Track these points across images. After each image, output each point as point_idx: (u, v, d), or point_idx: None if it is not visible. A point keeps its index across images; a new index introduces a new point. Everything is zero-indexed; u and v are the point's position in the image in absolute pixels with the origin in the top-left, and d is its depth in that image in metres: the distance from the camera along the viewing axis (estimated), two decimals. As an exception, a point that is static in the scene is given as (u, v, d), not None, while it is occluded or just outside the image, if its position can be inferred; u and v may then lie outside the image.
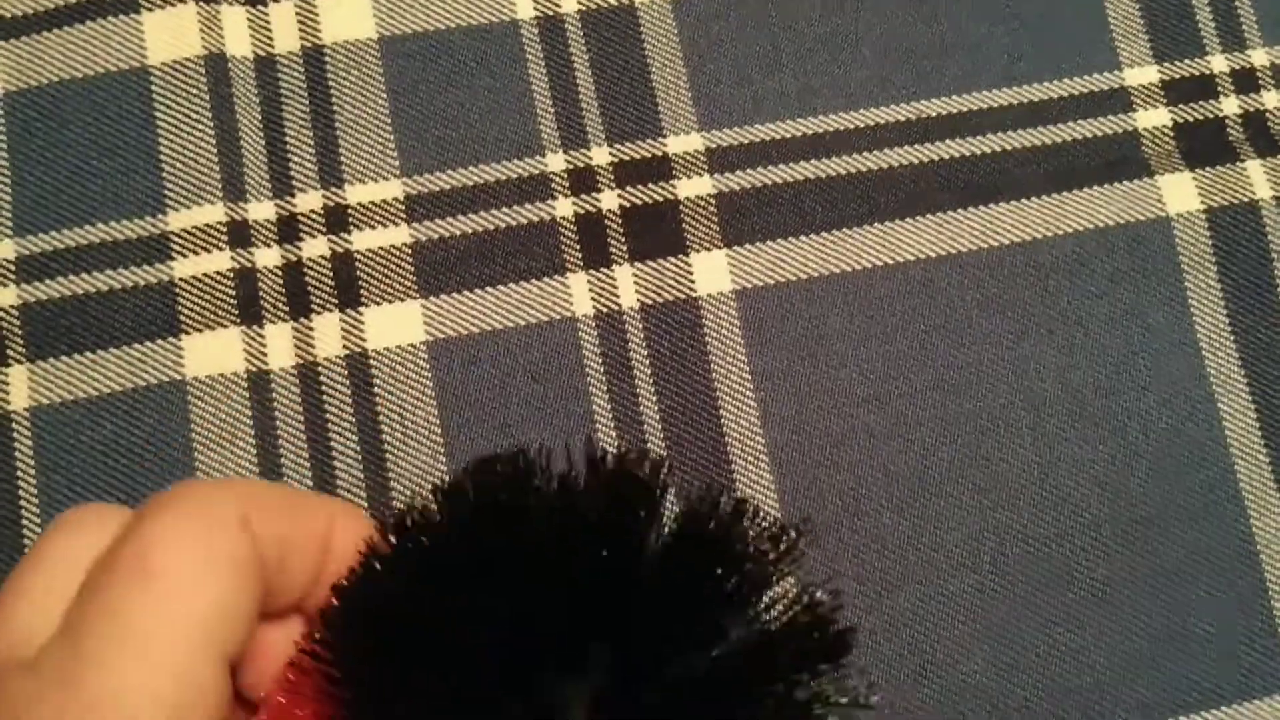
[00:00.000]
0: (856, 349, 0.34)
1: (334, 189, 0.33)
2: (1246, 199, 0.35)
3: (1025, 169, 0.35)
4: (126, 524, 0.22)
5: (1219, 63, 0.36)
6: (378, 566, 0.23)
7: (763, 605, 0.23)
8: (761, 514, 0.23)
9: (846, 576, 0.33)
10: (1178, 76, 0.36)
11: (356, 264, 0.33)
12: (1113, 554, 0.33)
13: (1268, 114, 0.36)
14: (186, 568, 0.21)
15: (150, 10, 0.33)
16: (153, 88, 0.33)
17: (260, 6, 0.34)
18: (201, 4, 0.34)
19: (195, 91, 0.33)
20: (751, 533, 0.23)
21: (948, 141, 0.35)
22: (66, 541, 0.22)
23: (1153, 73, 0.36)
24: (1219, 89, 0.36)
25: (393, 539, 0.23)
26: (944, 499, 0.33)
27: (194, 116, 0.33)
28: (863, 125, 0.35)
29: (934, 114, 0.35)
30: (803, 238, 0.34)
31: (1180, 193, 0.35)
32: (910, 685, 0.32)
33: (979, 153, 0.35)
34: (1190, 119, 0.36)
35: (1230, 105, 0.36)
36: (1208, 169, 0.36)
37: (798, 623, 0.23)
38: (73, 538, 0.22)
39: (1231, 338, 0.35)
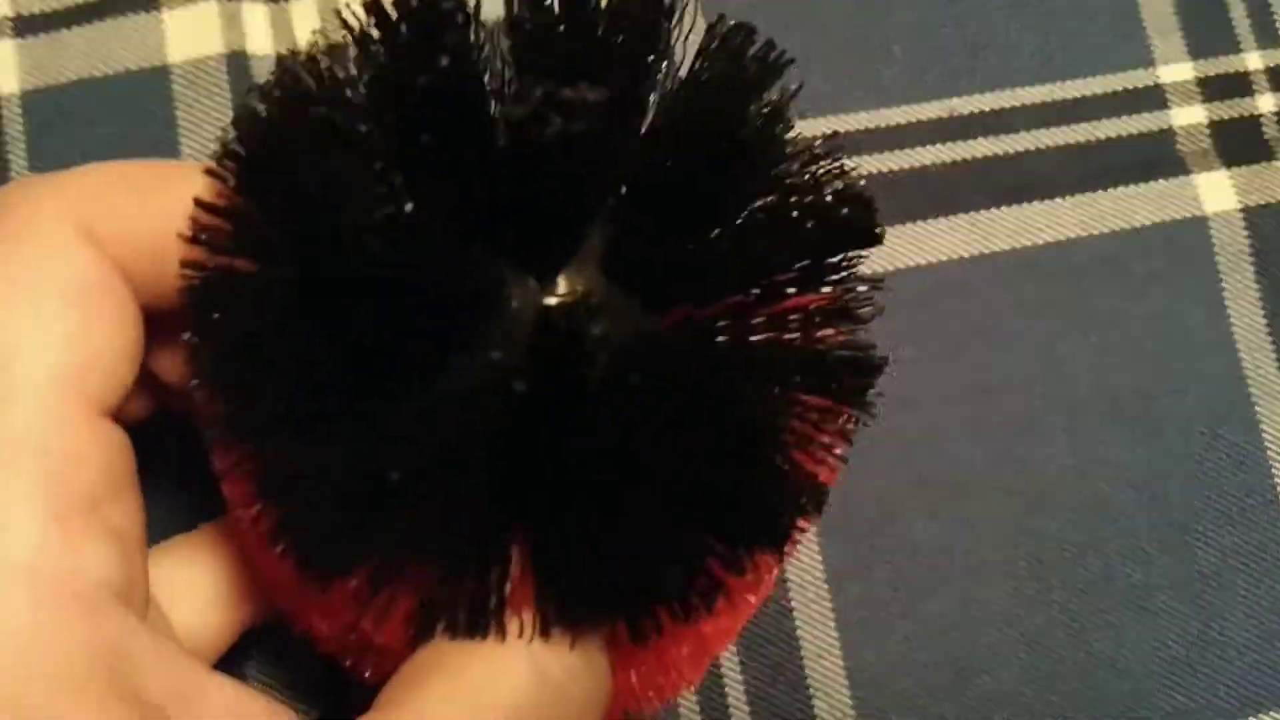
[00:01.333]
0: (889, 351, 0.33)
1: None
2: (1283, 197, 0.35)
3: (1059, 168, 0.35)
4: None
5: (1254, 60, 0.36)
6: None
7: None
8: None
9: (880, 583, 0.32)
10: (1213, 74, 0.36)
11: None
12: (1150, 559, 0.33)
13: (1304, 112, 0.36)
14: (15, 318, 0.17)
15: (171, 8, 0.33)
16: (173, 86, 0.33)
17: (282, 3, 0.34)
18: (223, 1, 0.33)
19: (217, 90, 0.33)
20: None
21: (980, 140, 0.35)
22: None
23: (1187, 70, 0.36)
24: (1254, 86, 0.36)
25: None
26: (978, 504, 0.33)
27: (216, 115, 0.33)
28: (894, 124, 0.35)
29: (966, 112, 0.35)
30: (834, 238, 0.34)
31: (1217, 191, 0.35)
32: (945, 693, 0.32)
33: (1012, 151, 0.35)
34: (1226, 116, 0.35)
35: (1266, 103, 0.36)
36: (1244, 167, 0.35)
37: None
38: None
39: (1269, 339, 0.34)
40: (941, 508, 0.33)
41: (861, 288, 0.23)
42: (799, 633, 0.32)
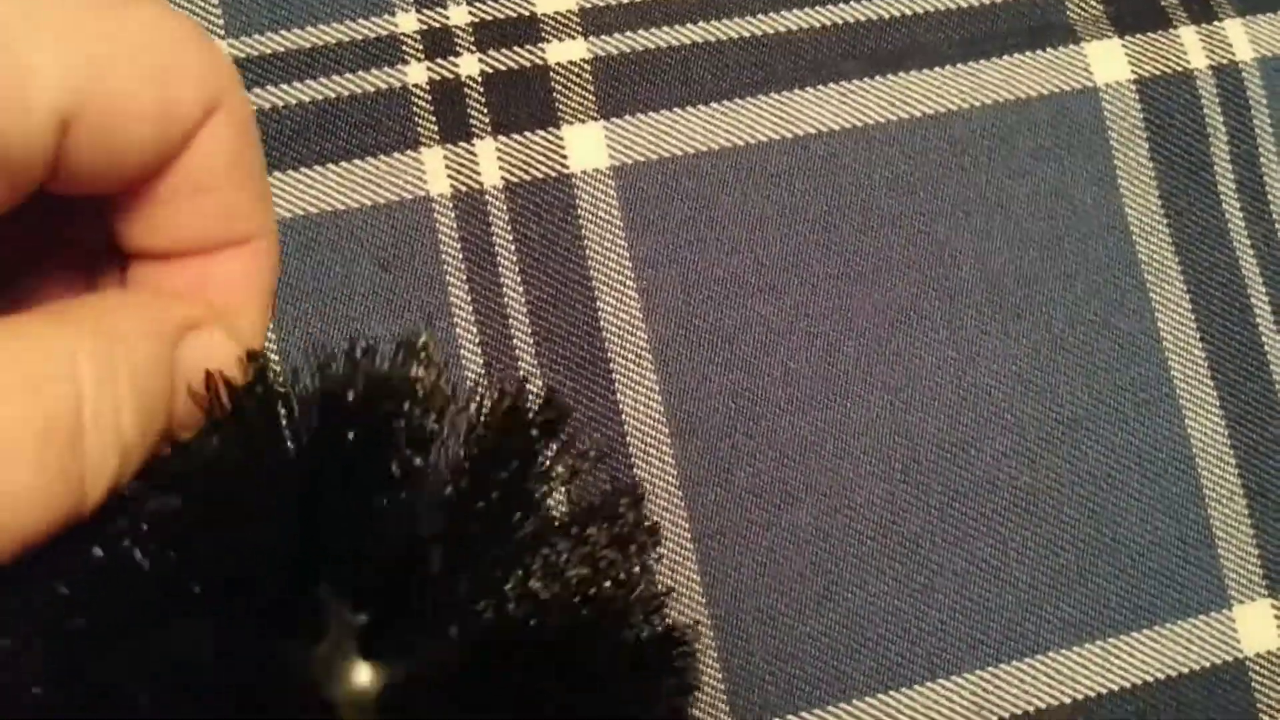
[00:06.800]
0: (750, 233, 0.30)
1: (147, 50, 0.29)
2: (1180, 69, 0.32)
3: (938, 34, 0.32)
4: None
5: (1149, -81, 0.33)
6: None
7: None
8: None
9: (740, 489, 0.29)
10: (1105, -67, 0.33)
11: (174, 136, 0.29)
12: (1036, 459, 0.30)
13: (1202, -24, 0.33)
14: None
15: None
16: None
17: None
18: None
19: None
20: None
21: (852, 4, 0.31)
22: None
23: (1078, -72, 0.33)
24: (1150, -52, 0.33)
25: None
26: (850, 400, 0.30)
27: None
28: (757, -15, 0.31)
29: (837, -27, 0.32)
30: (689, 108, 0.30)
31: (1109, 61, 0.32)
32: (814, 608, 0.29)
33: (887, 16, 0.31)
34: (1119, -20, 0.33)
35: (1162, -34, 0.33)
36: (1138, 36, 0.32)
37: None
38: None
39: (1164, 221, 0.31)
40: (809, 405, 0.30)
41: None
42: (651, 544, 0.29)
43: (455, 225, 0.29)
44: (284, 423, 0.20)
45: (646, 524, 0.22)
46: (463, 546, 0.20)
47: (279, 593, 0.19)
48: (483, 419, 0.21)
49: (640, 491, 0.23)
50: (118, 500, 0.18)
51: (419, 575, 0.20)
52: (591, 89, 0.30)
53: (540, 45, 0.30)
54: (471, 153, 0.29)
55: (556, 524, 0.21)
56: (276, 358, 0.28)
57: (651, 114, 0.30)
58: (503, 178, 0.29)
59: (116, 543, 0.18)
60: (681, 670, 0.22)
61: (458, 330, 0.29)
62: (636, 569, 0.21)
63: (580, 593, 0.21)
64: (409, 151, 0.29)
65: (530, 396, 0.21)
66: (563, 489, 0.21)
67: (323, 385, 0.20)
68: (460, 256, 0.29)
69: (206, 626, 0.19)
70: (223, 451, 0.19)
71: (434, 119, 0.29)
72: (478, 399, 0.21)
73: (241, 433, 0.19)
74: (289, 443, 0.20)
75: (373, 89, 0.29)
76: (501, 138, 0.30)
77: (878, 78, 0.31)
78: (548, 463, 0.21)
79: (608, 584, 0.21)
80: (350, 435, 0.20)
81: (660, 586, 0.22)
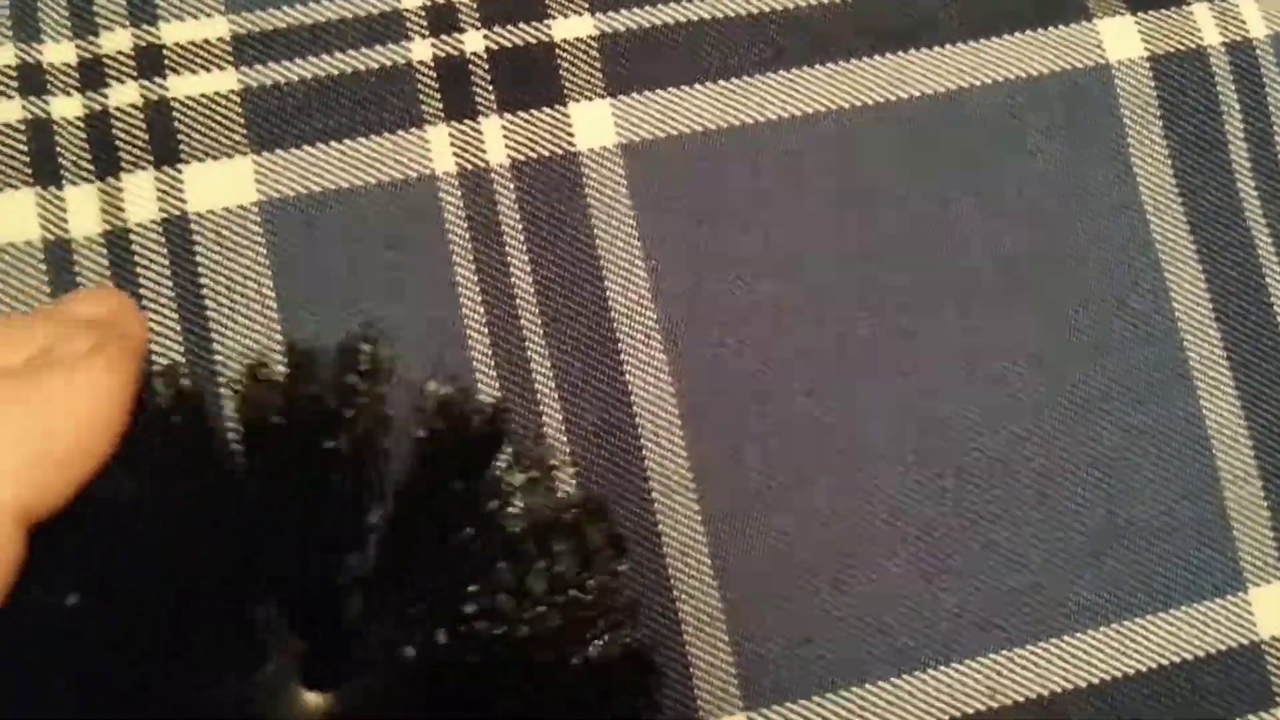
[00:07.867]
0: (760, 211, 0.30)
1: (146, 26, 0.28)
2: (1193, 45, 0.32)
3: (948, 10, 0.31)
4: None
5: (1162, -105, 0.32)
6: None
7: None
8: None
9: (752, 470, 0.29)
10: (1117, -91, 0.32)
11: (174, 113, 0.28)
12: (1050, 441, 0.30)
13: (1215, -47, 0.32)
14: None
15: None
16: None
17: None
18: None
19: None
20: None
21: (862, -20, 0.31)
22: None
23: (1090, -96, 0.32)
24: (1162, -76, 0.32)
25: None
26: (862, 381, 0.29)
27: None
28: (766, -39, 0.31)
29: (846, -51, 0.31)
30: (697, 86, 0.30)
31: (1121, 38, 0.31)
32: (827, 592, 0.28)
33: (897, -8, 0.31)
34: (1131, -44, 0.32)
35: (1175, -58, 0.32)
36: (1151, 12, 0.32)
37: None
38: None
39: (1179, 199, 0.31)
40: (821, 386, 0.29)
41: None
42: (661, 528, 0.28)
43: (461, 204, 0.29)
44: (212, 441, 0.19)
45: (611, 536, 0.21)
46: (408, 567, 0.20)
47: (218, 620, 0.19)
48: (424, 432, 0.20)
49: (602, 503, 0.22)
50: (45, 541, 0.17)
51: (362, 598, 0.20)
52: (599, 66, 0.30)
53: (546, 22, 0.30)
54: (477, 130, 0.29)
55: (516, 539, 0.20)
56: (278, 337, 0.27)
57: (659, 91, 0.30)
58: (509, 155, 0.29)
59: (45, 583, 0.18)
60: (646, 688, 0.21)
61: (464, 311, 0.28)
62: (598, 583, 0.21)
63: (540, 609, 0.20)
64: (413, 129, 0.29)
65: (477, 407, 0.21)
66: (519, 502, 0.21)
67: (248, 402, 0.19)
68: (467, 235, 0.28)
69: (144, 659, 0.18)
70: (151, 477, 0.19)
71: (439, 96, 0.29)
72: (422, 408, 0.20)
73: (167, 456, 0.19)
74: (221, 461, 0.20)
75: (376, 66, 0.29)
76: (507, 115, 0.29)
77: (888, 55, 0.31)
78: (499, 475, 0.20)
79: (568, 600, 0.20)
80: (283, 453, 0.19)
81: (626, 599, 0.21)
